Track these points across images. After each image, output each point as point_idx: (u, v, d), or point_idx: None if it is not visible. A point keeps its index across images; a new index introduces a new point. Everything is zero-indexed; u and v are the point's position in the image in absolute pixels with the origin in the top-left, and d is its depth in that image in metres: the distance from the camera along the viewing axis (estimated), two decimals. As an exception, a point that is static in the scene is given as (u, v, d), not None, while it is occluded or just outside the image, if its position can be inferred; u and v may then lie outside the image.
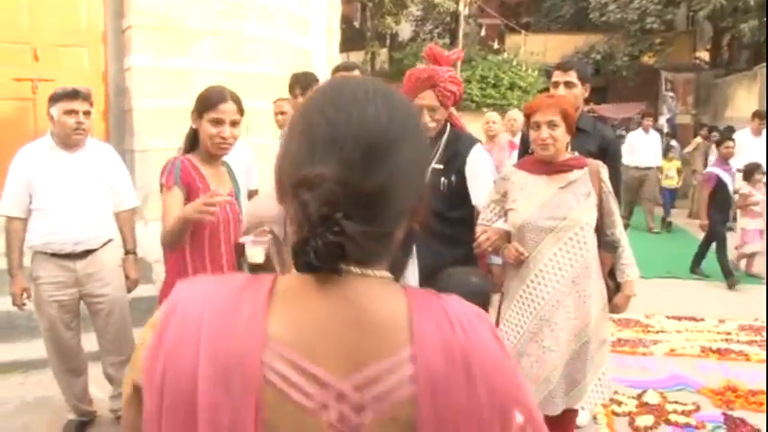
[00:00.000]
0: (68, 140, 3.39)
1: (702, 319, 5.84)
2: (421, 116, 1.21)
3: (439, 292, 0.93)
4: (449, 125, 3.31)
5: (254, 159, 4.52)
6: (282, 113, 5.08)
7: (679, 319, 5.86)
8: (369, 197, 0.80)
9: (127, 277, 3.64)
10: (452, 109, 3.37)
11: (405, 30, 22.01)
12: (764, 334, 5.46)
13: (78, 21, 5.62)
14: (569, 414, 2.94)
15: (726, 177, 7.54)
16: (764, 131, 9.22)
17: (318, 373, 0.79)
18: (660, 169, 11.59)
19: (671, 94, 18.27)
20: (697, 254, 7.94)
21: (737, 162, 8.20)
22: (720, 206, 7.53)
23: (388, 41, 21.35)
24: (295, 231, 0.81)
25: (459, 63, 14.70)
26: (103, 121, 5.73)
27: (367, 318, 0.82)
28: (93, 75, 5.68)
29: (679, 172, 11.98)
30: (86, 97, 3.40)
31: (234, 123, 2.70)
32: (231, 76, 5.88)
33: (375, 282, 0.85)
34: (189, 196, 2.64)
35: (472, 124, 5.79)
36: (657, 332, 5.49)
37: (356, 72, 3.66)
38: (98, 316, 3.57)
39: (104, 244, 3.54)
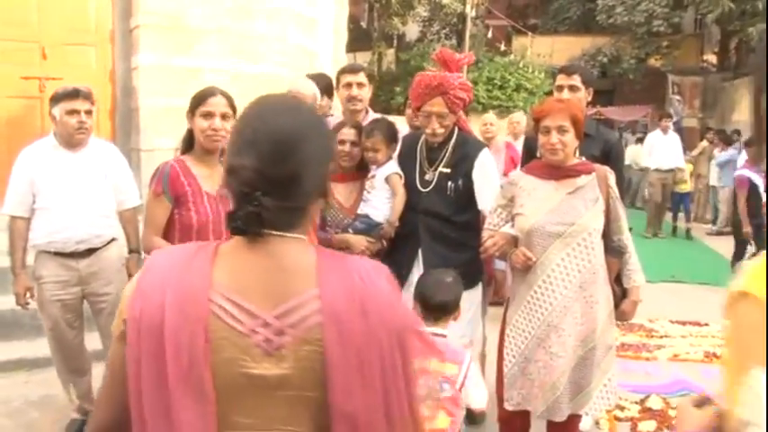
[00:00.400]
0: (71, 140, 3.40)
1: (707, 324, 5.83)
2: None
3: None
4: (456, 129, 3.31)
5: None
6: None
7: (683, 323, 5.85)
8: (280, 181, 1.13)
9: (130, 276, 3.55)
10: (461, 112, 3.39)
11: (412, 30, 22.00)
12: (769, 340, 5.44)
13: (86, 20, 5.66)
14: (573, 419, 2.94)
15: (757, 180, 7.32)
16: None
17: (249, 307, 1.11)
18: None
19: (677, 97, 18.23)
20: (733, 260, 8.15)
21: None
22: (752, 209, 7.32)
23: (395, 42, 21.35)
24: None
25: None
26: (110, 120, 5.76)
27: (284, 267, 1.15)
28: (100, 74, 5.70)
29: (691, 175, 11.83)
30: (87, 96, 3.40)
31: (224, 116, 2.74)
32: (237, 75, 5.90)
33: (292, 241, 1.17)
34: (176, 204, 2.73)
35: (478, 126, 5.80)
36: (661, 337, 5.48)
37: (361, 74, 3.66)
38: (101, 315, 3.57)
39: (107, 243, 3.55)
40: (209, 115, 2.72)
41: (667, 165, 10.80)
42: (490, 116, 6.85)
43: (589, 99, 3.65)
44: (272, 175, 1.12)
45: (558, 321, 2.83)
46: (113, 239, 3.60)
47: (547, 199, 2.88)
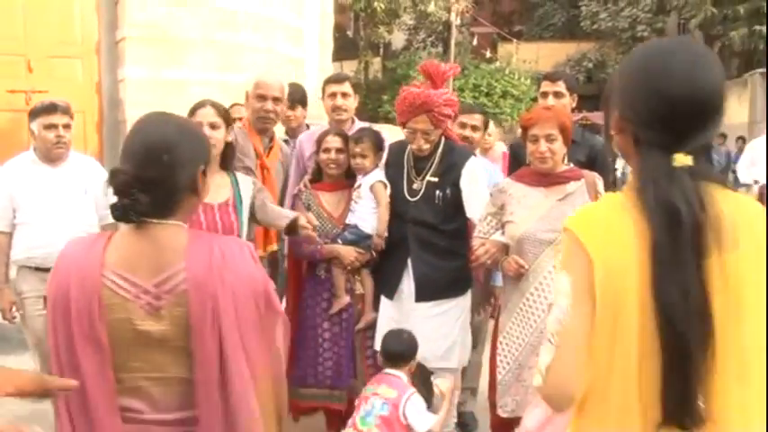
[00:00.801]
0: (50, 155, 3.37)
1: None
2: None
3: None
4: (443, 138, 3.32)
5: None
6: (239, 119, 4.81)
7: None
8: (151, 180, 1.46)
9: None
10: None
11: (398, 39, 22.08)
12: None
13: (72, 33, 5.65)
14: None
15: None
16: None
17: (134, 279, 1.48)
18: None
19: (662, 101, 18.39)
20: None
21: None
22: None
23: (381, 51, 21.43)
24: None
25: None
26: (97, 133, 5.76)
27: (160, 246, 1.50)
28: (86, 86, 5.70)
29: None
30: (65, 111, 3.35)
31: (213, 126, 2.76)
32: (225, 86, 5.90)
33: (168, 227, 1.52)
34: None
35: None
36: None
37: (346, 84, 3.66)
38: None
39: None
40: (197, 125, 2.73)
41: None
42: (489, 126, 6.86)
43: (574, 105, 3.68)
44: (145, 177, 1.46)
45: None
46: None
47: (537, 206, 2.89)
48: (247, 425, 1.49)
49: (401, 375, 2.82)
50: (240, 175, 2.99)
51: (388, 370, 2.85)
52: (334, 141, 3.33)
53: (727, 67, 19.85)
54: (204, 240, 1.55)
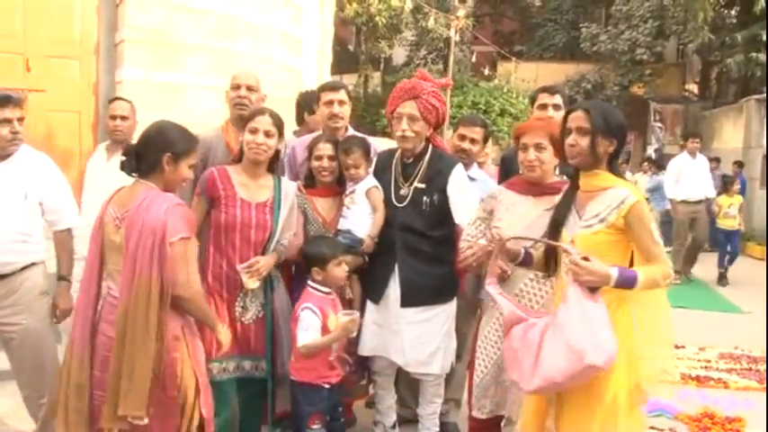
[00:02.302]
0: (3, 152, 3.07)
1: (683, 347, 5.87)
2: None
3: None
4: (430, 145, 3.35)
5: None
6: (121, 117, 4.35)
7: (660, 345, 5.87)
8: (136, 153, 2.59)
9: (55, 306, 3.23)
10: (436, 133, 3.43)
11: (399, 54, 22.20)
12: (743, 362, 5.49)
13: (71, 33, 5.67)
14: None
15: None
16: None
17: (115, 210, 2.56)
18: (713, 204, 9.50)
19: (659, 124, 18.48)
20: None
21: None
22: None
23: (381, 65, 21.53)
24: None
25: (449, 89, 14.83)
26: (92, 133, 5.75)
27: (133, 194, 2.53)
28: (84, 87, 5.71)
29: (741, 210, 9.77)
30: (18, 103, 3.07)
31: (268, 134, 3.08)
32: (221, 92, 5.90)
33: (142, 184, 2.55)
34: (211, 205, 3.08)
35: None
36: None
37: (342, 92, 3.68)
38: (9, 346, 3.20)
39: (22, 269, 3.14)
40: (255, 131, 3.05)
41: (696, 196, 9.11)
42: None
43: None
44: (135, 150, 2.60)
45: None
46: (33, 264, 3.19)
47: (524, 214, 2.93)
48: (136, 293, 2.39)
49: (313, 286, 3.10)
50: (285, 180, 3.26)
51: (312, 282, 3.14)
52: (325, 149, 3.36)
53: (724, 93, 19.98)
54: (150, 195, 2.48)
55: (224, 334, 2.78)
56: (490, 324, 3.00)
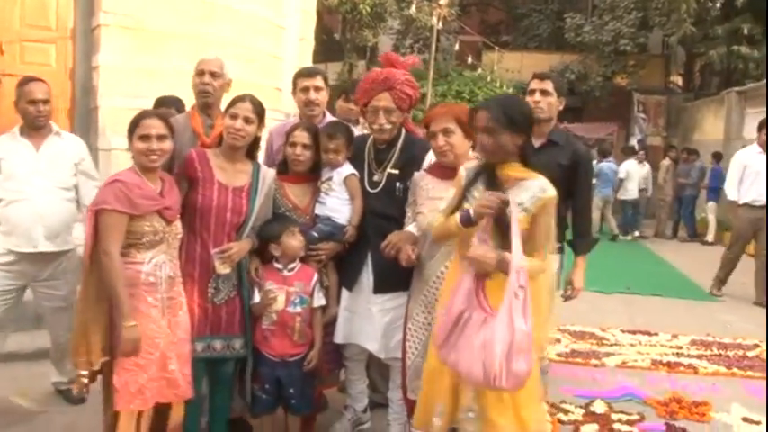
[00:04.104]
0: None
1: (656, 334, 5.95)
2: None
3: None
4: (404, 131, 3.37)
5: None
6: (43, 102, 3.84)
7: (633, 332, 5.96)
8: None
9: None
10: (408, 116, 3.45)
11: (385, 43, 22.10)
12: (714, 349, 5.58)
13: (47, 16, 5.61)
14: None
15: None
16: None
17: None
18: None
19: (642, 115, 18.58)
20: None
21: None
22: None
23: (367, 54, 21.45)
24: None
25: (431, 76, 14.86)
26: (68, 119, 5.72)
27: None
28: (59, 71, 5.67)
29: None
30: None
31: (247, 120, 3.10)
32: (200, 78, 5.90)
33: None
34: (190, 187, 3.09)
35: None
36: (611, 345, 5.58)
37: (319, 78, 3.68)
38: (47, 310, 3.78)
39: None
40: (234, 116, 3.08)
41: (762, 199, 7.34)
42: None
43: (561, 107, 3.71)
44: None
45: None
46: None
47: (443, 198, 2.94)
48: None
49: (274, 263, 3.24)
50: (264, 167, 3.27)
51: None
52: (301, 137, 3.35)
53: (707, 85, 20.10)
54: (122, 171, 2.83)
55: (128, 329, 2.66)
56: (418, 306, 3.06)
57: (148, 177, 2.81)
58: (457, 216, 2.62)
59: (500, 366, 2.27)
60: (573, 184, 3.64)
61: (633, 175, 12.99)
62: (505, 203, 2.47)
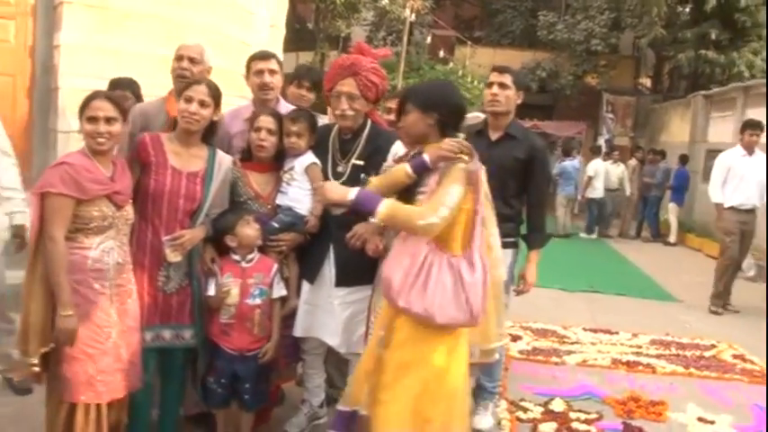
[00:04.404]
0: None
1: (617, 333, 6.00)
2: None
3: None
4: (369, 121, 3.31)
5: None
6: None
7: (595, 331, 6.00)
8: None
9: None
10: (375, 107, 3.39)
11: (358, 34, 21.98)
12: (672, 349, 5.64)
13: (6, -8, 5.43)
14: None
15: None
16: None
17: None
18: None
19: (611, 115, 18.78)
20: None
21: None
22: None
23: (340, 44, 21.31)
24: None
25: (402, 69, 14.81)
26: (27, 98, 5.53)
27: None
28: (19, 49, 5.48)
29: None
30: None
31: (202, 103, 3.00)
32: (165, 61, 5.72)
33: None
34: (143, 171, 2.99)
35: None
36: (573, 343, 5.61)
37: (273, 61, 3.59)
38: None
39: None
40: (189, 100, 2.98)
41: (748, 203, 7.19)
42: None
43: (519, 101, 3.70)
44: None
45: None
46: None
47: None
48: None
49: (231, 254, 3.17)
50: (221, 153, 3.17)
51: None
52: (266, 122, 3.27)
53: (676, 87, 20.38)
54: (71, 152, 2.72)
55: (64, 319, 2.57)
56: (381, 299, 3.00)
57: (99, 160, 2.70)
58: (407, 165, 2.66)
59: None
60: (529, 178, 3.65)
61: (600, 174, 13.12)
62: (467, 151, 2.55)
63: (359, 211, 2.67)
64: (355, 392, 2.73)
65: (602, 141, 17.58)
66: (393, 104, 3.80)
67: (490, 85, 3.69)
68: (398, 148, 3.23)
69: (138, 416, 3.01)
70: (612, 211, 13.63)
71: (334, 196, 2.61)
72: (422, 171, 2.61)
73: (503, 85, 3.64)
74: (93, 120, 2.66)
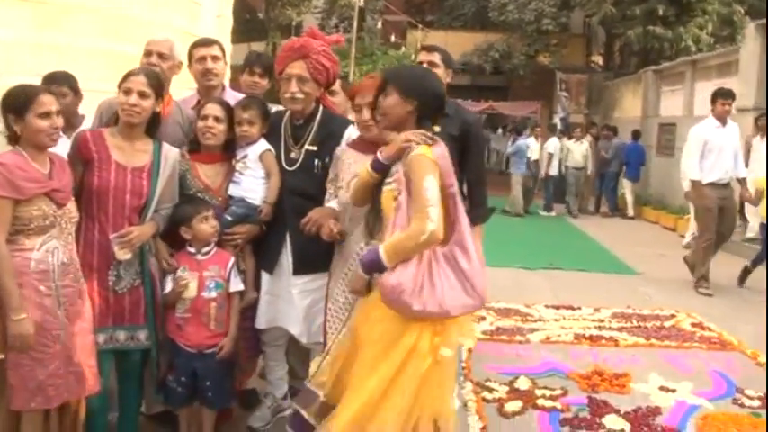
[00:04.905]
0: None
1: (579, 308, 6.06)
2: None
3: None
4: (321, 107, 3.26)
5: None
6: None
7: (557, 308, 6.06)
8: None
9: None
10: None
11: (309, 22, 21.79)
12: (633, 321, 5.73)
13: (-67, -14, 5.20)
14: None
15: None
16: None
17: None
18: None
19: (565, 94, 18.99)
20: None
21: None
22: None
23: (291, 33, 21.10)
24: None
25: (353, 55, 14.73)
26: (-36, 99, 5.33)
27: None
28: (-48, 47, 5.27)
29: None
30: None
31: (142, 95, 2.90)
32: (110, 55, 5.59)
33: (11, 151, 2.60)
34: (85, 168, 2.90)
35: None
36: (536, 321, 5.65)
37: (215, 47, 3.52)
38: None
39: None
40: (128, 92, 2.89)
41: (725, 177, 6.91)
42: None
43: (448, 80, 3.68)
44: None
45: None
46: None
47: None
48: None
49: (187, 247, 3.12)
50: (167, 146, 3.07)
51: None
52: (212, 109, 3.19)
53: (627, 64, 20.69)
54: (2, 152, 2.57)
55: (16, 323, 2.48)
56: (337, 286, 2.99)
57: (36, 158, 2.59)
58: (368, 166, 2.62)
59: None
60: (465, 154, 3.58)
61: (556, 152, 13.26)
62: (427, 138, 2.48)
63: (371, 270, 2.49)
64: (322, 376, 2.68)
65: (557, 120, 17.77)
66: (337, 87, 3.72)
67: (420, 64, 3.64)
68: (351, 133, 3.19)
69: (95, 421, 2.93)
70: (579, 188, 13.62)
71: (357, 285, 2.52)
72: (381, 169, 2.56)
73: (432, 64, 3.60)
74: (45, 115, 2.56)
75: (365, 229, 2.72)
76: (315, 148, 3.19)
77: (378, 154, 2.57)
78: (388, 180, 2.56)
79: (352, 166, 2.96)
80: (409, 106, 2.54)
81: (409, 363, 2.39)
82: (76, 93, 3.56)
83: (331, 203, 3.04)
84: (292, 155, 3.21)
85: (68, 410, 2.73)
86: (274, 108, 3.54)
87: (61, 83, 3.48)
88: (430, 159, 2.44)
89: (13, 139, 2.59)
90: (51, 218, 2.58)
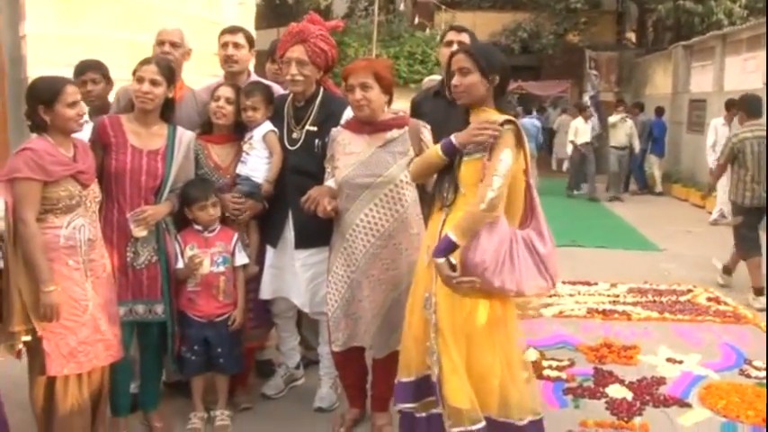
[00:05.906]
0: None
1: (596, 283, 6.12)
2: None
3: None
4: (322, 89, 3.40)
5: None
6: None
7: (573, 283, 6.12)
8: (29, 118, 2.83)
9: None
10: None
11: (340, 6, 21.87)
12: (649, 296, 5.76)
13: (-32, -15, 5.46)
14: (393, 355, 3.00)
15: None
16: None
17: None
18: None
19: (594, 72, 18.70)
20: None
21: None
22: None
23: (320, 17, 21.16)
24: None
25: (375, 38, 14.71)
26: (-1, 91, 5.60)
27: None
28: (-15, 42, 5.53)
29: None
30: None
31: (154, 82, 3.08)
32: (134, 46, 5.78)
33: (38, 138, 2.81)
34: (104, 152, 3.10)
35: (399, 100, 5.75)
36: (551, 296, 5.71)
37: (240, 35, 3.67)
38: None
39: None
40: (141, 80, 3.09)
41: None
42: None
43: None
44: (26, 115, 2.79)
45: (367, 267, 3.02)
46: None
47: (359, 152, 3.04)
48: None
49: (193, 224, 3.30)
50: (181, 129, 3.25)
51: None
52: (225, 91, 3.41)
53: (660, 40, 20.28)
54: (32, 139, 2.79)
55: (46, 294, 2.69)
56: (336, 260, 3.12)
57: (62, 144, 2.81)
58: (438, 147, 2.68)
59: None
60: None
61: (570, 131, 13.09)
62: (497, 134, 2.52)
63: (447, 253, 2.53)
64: (412, 360, 2.74)
65: (586, 98, 17.56)
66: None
67: (449, 44, 3.67)
68: (349, 113, 3.32)
69: (119, 388, 3.15)
70: (624, 170, 13.00)
71: (443, 273, 2.52)
72: (452, 152, 2.65)
73: (461, 44, 3.65)
74: (73, 104, 2.78)
75: (438, 201, 2.74)
76: (315, 129, 3.33)
77: (452, 138, 2.63)
78: (467, 151, 2.62)
79: (345, 147, 3.09)
80: (489, 84, 2.62)
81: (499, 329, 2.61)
82: (108, 80, 3.74)
83: (329, 182, 3.17)
84: (294, 135, 3.37)
85: (96, 378, 2.94)
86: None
87: (93, 70, 3.68)
88: (515, 136, 2.56)
89: (39, 126, 2.79)
90: (77, 197, 2.81)
